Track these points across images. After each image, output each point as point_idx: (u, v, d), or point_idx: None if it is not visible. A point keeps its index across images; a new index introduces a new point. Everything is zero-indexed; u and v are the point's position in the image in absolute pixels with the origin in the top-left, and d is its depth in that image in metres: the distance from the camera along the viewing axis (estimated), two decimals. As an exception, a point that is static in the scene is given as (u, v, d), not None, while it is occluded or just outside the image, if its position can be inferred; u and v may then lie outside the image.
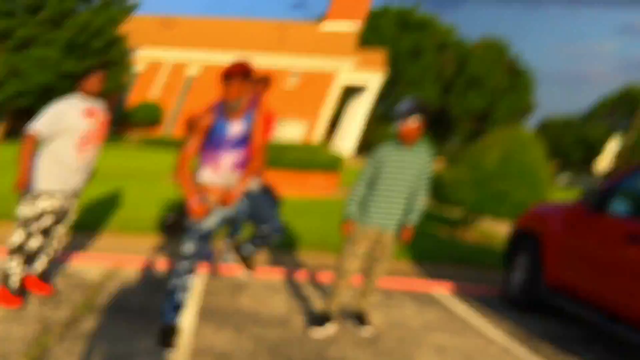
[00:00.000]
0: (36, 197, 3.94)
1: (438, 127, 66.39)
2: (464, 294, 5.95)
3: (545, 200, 8.92)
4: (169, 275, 3.47)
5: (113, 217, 7.55)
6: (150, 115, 33.71)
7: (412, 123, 3.71)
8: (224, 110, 3.47)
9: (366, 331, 4.25)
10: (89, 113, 4.06)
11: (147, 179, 12.74)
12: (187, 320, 4.10)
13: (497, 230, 11.67)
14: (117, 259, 5.52)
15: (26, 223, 3.95)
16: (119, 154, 20.72)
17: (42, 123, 3.90)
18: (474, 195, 8.66)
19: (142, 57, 34.45)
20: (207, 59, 35.28)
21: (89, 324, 3.86)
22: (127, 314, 4.11)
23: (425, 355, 3.97)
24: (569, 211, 5.22)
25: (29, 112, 28.80)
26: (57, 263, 5.24)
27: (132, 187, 10.94)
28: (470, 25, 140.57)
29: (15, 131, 33.07)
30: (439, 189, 9.27)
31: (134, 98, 34.95)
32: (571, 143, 65.35)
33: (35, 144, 3.92)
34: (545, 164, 8.88)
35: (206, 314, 4.29)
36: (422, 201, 4.02)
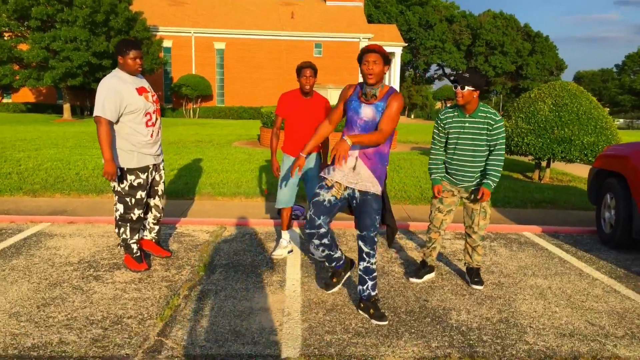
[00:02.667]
0: (124, 174, 3.84)
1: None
2: (554, 234, 5.56)
3: (616, 142, 8.46)
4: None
5: (201, 183, 7.57)
6: (200, 88, 33.06)
7: (468, 91, 3.58)
8: (360, 92, 3.19)
9: (475, 288, 3.88)
10: (140, 90, 3.83)
11: (220, 146, 12.77)
12: (292, 275, 4.00)
13: (567, 171, 11.06)
14: (218, 222, 5.49)
15: (122, 197, 3.88)
16: (187, 125, 20.68)
17: (107, 108, 3.66)
18: (538, 143, 8.54)
19: (164, 34, 33.86)
20: (228, 33, 34.67)
21: (209, 283, 3.79)
22: (240, 272, 4.03)
23: (528, 299, 3.65)
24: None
25: (85, 90, 27.65)
26: (165, 228, 5.30)
27: (208, 154, 11.00)
28: (467, 6, 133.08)
29: (82, 110, 33.49)
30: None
31: (175, 73, 34.56)
32: (616, 92, 65.15)
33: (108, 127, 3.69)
34: (603, 111, 8.71)
35: (308, 268, 4.16)
36: (498, 164, 3.67)
